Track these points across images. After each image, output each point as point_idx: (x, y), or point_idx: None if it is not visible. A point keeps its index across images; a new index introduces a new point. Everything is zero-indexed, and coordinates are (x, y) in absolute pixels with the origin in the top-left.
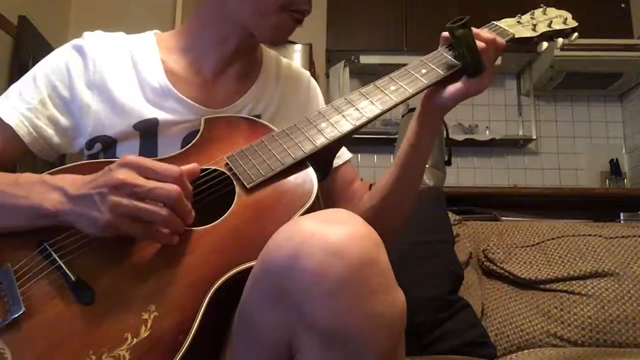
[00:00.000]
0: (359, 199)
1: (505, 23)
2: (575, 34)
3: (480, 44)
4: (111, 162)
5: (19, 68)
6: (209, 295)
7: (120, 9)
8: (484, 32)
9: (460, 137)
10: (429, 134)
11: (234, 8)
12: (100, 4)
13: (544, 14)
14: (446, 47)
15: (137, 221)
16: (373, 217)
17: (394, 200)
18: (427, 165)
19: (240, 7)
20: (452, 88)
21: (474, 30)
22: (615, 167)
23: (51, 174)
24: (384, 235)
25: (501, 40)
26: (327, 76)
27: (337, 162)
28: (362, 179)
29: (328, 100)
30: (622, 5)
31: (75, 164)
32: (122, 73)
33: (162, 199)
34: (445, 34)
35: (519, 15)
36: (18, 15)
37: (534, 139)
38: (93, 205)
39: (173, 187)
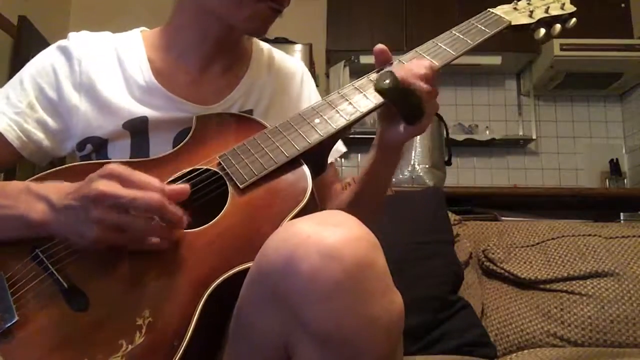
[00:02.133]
0: (336, 198)
1: (502, 10)
2: (574, 20)
3: (417, 86)
4: (96, 165)
5: (19, 68)
6: (204, 298)
7: (120, 9)
8: (415, 70)
9: (460, 137)
10: (388, 169)
11: (211, 1)
12: (100, 4)
13: None
14: (441, 37)
15: (124, 232)
16: None
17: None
18: (419, 168)
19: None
20: (402, 132)
21: (404, 70)
22: (615, 167)
23: (37, 179)
24: None
25: (434, 64)
26: (327, 76)
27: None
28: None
29: None
30: (622, 5)
31: (63, 167)
32: (109, 72)
33: (145, 208)
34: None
35: (515, 1)
36: (18, 15)
37: (534, 139)
38: (78, 219)
39: (154, 196)
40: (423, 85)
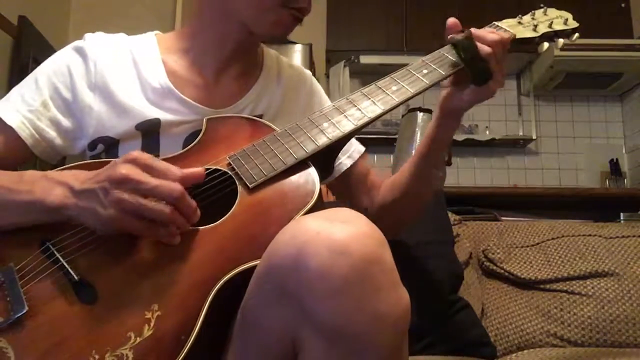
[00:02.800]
0: (378, 188)
1: (507, 24)
2: (576, 35)
3: (486, 50)
4: (108, 163)
5: (19, 68)
6: (212, 294)
7: (120, 9)
8: (490, 34)
9: (460, 137)
10: (447, 134)
11: (234, 5)
12: (100, 4)
13: (545, 14)
14: (448, 47)
15: (140, 218)
16: (393, 206)
17: (412, 193)
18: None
19: (240, 4)
20: (466, 96)
21: (478, 32)
22: (615, 167)
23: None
24: (402, 221)
25: (506, 35)
26: (327, 76)
27: (349, 161)
28: None
29: None
30: (622, 5)
31: (78, 163)
32: (124, 74)
33: (165, 196)
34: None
35: (519, 15)
36: (18, 15)
37: (534, 139)
38: (96, 200)
39: (176, 186)
40: (487, 49)
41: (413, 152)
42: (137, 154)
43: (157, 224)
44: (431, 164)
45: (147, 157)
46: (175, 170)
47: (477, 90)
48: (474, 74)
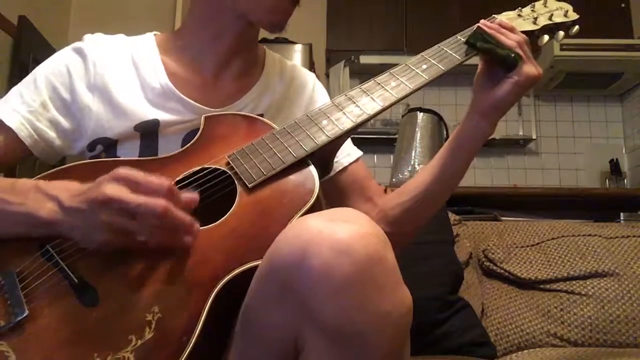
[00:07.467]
0: (379, 197)
1: (506, 16)
2: (577, 27)
3: (508, 42)
4: (105, 163)
5: (19, 68)
6: (212, 296)
7: (120, 9)
8: (510, 35)
9: None
10: (476, 137)
11: None
12: (100, 4)
13: (545, 6)
14: (447, 42)
15: (130, 236)
16: (400, 216)
17: (426, 201)
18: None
19: None
20: (504, 87)
21: (499, 33)
22: (615, 167)
23: (46, 177)
24: (407, 234)
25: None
26: (327, 76)
27: (347, 159)
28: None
29: None
30: (622, 5)
31: (70, 165)
32: (123, 74)
33: (149, 215)
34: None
35: (519, 8)
36: (18, 15)
37: (534, 139)
38: (85, 221)
39: (159, 203)
40: (499, 35)
41: (413, 152)
42: (124, 170)
43: (148, 240)
44: (450, 176)
45: (132, 174)
46: (162, 185)
47: (513, 78)
48: (500, 57)
